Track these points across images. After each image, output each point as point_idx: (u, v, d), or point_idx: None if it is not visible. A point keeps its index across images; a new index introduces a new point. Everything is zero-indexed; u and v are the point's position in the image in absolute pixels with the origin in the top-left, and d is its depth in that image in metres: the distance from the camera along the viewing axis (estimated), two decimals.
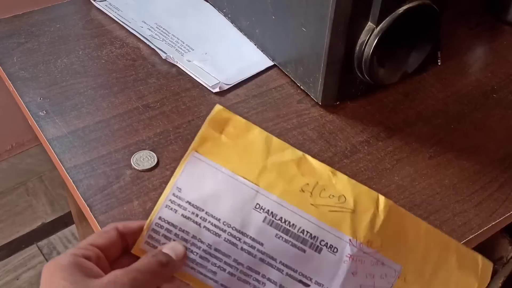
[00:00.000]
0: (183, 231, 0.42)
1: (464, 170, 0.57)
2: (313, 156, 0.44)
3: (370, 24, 0.56)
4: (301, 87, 0.66)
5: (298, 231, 0.43)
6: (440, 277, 0.46)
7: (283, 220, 0.43)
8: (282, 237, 0.42)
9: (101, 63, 0.68)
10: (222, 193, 0.43)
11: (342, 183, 0.44)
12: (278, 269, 0.43)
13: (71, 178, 0.53)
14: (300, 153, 0.44)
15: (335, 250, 0.43)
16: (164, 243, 0.41)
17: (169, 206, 0.42)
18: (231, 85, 0.66)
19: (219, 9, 0.77)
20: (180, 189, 0.42)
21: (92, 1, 0.78)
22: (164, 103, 0.63)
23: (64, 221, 1.41)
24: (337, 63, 0.59)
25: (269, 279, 0.42)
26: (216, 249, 0.42)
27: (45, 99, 0.62)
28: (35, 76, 0.65)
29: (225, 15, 0.76)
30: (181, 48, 0.70)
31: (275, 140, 0.45)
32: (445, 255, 0.46)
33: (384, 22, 0.55)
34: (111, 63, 0.68)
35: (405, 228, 0.45)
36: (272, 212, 0.43)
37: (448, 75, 0.70)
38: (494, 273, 0.95)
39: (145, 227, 0.41)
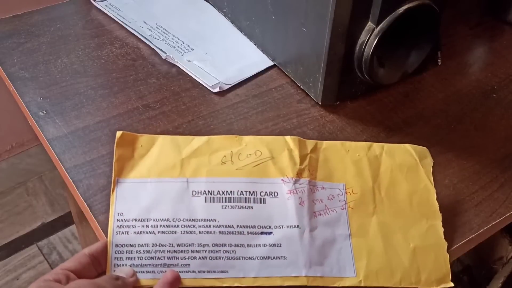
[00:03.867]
0: (142, 245, 0.44)
1: (464, 170, 0.58)
2: None
3: (370, 24, 0.56)
4: (301, 87, 0.66)
5: (238, 194, 0.47)
6: (382, 173, 0.51)
7: (220, 193, 0.47)
8: (228, 206, 0.46)
9: (101, 63, 0.68)
10: (159, 198, 0.46)
11: (251, 142, 0.50)
12: (239, 233, 0.46)
13: (71, 178, 0.53)
14: (204, 137, 0.50)
15: (276, 194, 0.47)
16: (130, 265, 0.44)
17: (119, 231, 0.45)
18: (231, 85, 0.66)
19: (219, 9, 0.77)
20: (121, 213, 0.45)
21: (92, 1, 0.78)
22: (164, 103, 0.63)
23: (64, 221, 1.41)
24: (337, 63, 0.59)
25: (236, 245, 0.45)
26: (178, 244, 0.44)
27: (45, 99, 0.62)
28: (35, 76, 0.65)
29: (225, 15, 0.76)
30: (181, 48, 0.70)
31: (179, 137, 0.50)
32: (374, 156, 0.52)
33: (384, 22, 0.55)
34: (111, 63, 0.68)
35: (324, 152, 0.51)
36: (208, 191, 0.47)
37: (448, 75, 0.70)
38: (494, 273, 0.95)
39: (108, 258, 0.44)
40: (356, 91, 0.64)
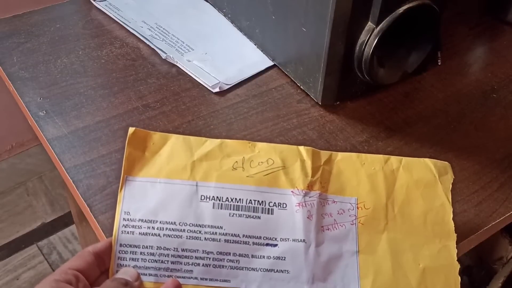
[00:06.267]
0: (146, 247, 0.44)
1: (464, 170, 0.58)
2: None
3: (370, 24, 0.56)
4: (301, 87, 0.66)
5: (246, 203, 0.46)
6: (397, 189, 0.49)
7: (229, 200, 0.45)
8: (236, 214, 0.45)
9: (101, 63, 0.68)
10: (167, 199, 0.45)
11: (264, 149, 0.48)
12: (245, 243, 0.45)
13: (71, 178, 0.53)
14: (218, 140, 0.48)
15: (284, 205, 0.46)
16: (133, 266, 0.43)
17: (124, 230, 0.44)
18: (231, 85, 0.66)
19: (219, 9, 0.77)
20: (128, 212, 0.45)
21: (92, 1, 0.78)
22: (164, 103, 0.63)
23: (64, 221, 1.41)
24: (337, 63, 0.59)
25: (240, 255, 0.44)
26: (183, 249, 0.44)
27: (45, 99, 0.62)
28: (35, 76, 0.65)
29: (225, 15, 0.76)
30: (181, 48, 0.70)
31: (192, 138, 0.48)
32: (390, 170, 0.50)
33: (384, 22, 0.55)
34: (111, 63, 0.68)
35: (338, 164, 0.49)
36: (217, 197, 0.46)
37: (448, 75, 0.70)
38: (494, 273, 0.95)
39: (111, 259, 0.43)
40: (356, 91, 0.64)
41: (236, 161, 0.47)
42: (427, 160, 0.50)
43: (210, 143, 0.48)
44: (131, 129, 0.47)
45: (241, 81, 0.67)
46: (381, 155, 0.50)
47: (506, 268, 0.93)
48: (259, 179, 0.47)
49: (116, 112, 0.61)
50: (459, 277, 0.46)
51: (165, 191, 0.46)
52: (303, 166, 0.48)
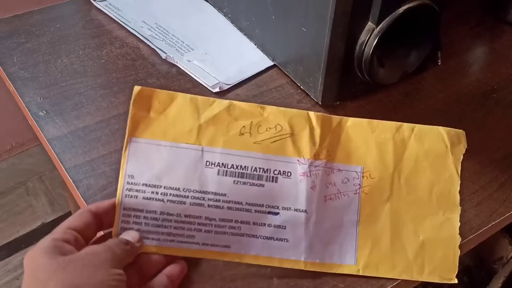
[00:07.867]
0: (150, 211, 0.44)
1: (464, 170, 0.57)
2: None
3: (370, 24, 0.56)
4: (301, 87, 0.66)
5: (251, 170, 0.45)
6: (406, 159, 0.48)
7: (234, 167, 0.45)
8: (240, 181, 0.45)
9: (101, 63, 0.68)
10: (171, 164, 0.45)
11: (273, 113, 0.47)
12: (247, 210, 0.45)
13: (71, 178, 0.53)
14: (226, 101, 0.47)
15: (289, 174, 0.46)
16: (137, 229, 0.43)
17: (128, 194, 0.44)
18: (231, 85, 0.66)
19: (219, 9, 0.77)
20: (132, 175, 0.44)
21: (92, 1, 0.78)
22: None
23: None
24: (337, 63, 0.59)
25: (242, 222, 0.45)
26: (186, 215, 0.44)
27: (45, 99, 0.62)
28: (35, 76, 0.65)
29: (225, 15, 0.76)
30: (181, 48, 0.70)
31: (199, 98, 0.47)
32: (401, 139, 0.49)
33: (384, 22, 0.55)
34: (111, 63, 0.68)
35: (347, 132, 0.48)
36: (222, 164, 0.45)
37: (448, 75, 0.70)
38: (494, 273, 0.95)
39: (115, 222, 0.43)
40: (356, 91, 0.64)
41: (244, 126, 0.46)
42: (440, 128, 0.49)
43: (218, 105, 0.47)
44: (136, 88, 0.45)
45: (241, 81, 0.67)
46: (393, 122, 0.49)
47: (506, 268, 0.93)
48: (266, 146, 0.46)
49: (116, 112, 0.61)
50: (459, 250, 0.46)
51: (170, 155, 0.45)
52: (312, 134, 0.47)
